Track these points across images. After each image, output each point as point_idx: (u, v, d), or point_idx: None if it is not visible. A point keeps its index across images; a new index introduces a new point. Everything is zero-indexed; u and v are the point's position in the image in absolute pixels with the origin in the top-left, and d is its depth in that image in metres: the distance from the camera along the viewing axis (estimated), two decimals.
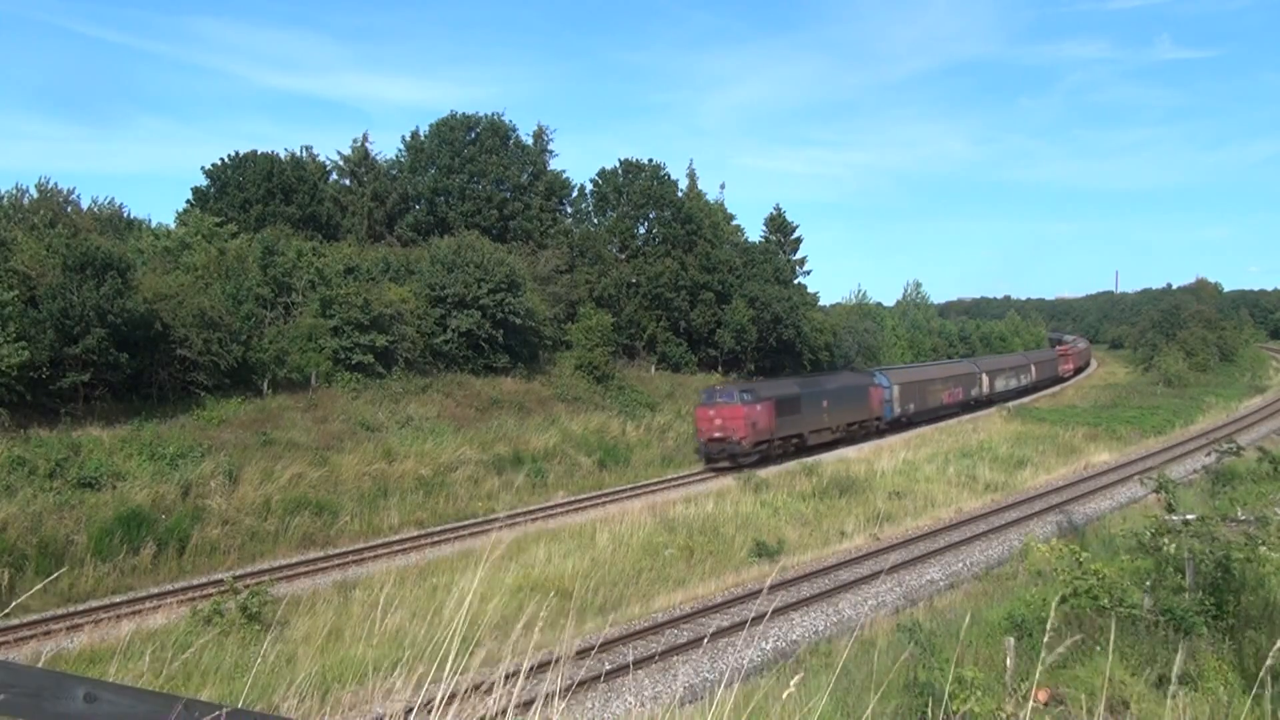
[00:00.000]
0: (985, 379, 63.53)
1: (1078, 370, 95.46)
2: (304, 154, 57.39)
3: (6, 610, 5.62)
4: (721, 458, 37.97)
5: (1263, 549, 13.10)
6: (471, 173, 58.41)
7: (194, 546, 24.62)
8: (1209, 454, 16.39)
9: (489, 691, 2.70)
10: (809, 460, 38.11)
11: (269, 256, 41.98)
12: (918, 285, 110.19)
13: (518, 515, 29.27)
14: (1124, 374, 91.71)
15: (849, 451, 42.72)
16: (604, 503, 31.25)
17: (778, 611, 19.43)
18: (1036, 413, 57.41)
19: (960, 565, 23.49)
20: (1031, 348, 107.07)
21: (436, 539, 26.49)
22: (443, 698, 3.36)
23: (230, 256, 41.37)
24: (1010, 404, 63.43)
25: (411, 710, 3.11)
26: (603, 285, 58.46)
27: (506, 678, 2.72)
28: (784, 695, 3.64)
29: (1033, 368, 75.85)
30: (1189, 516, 13.92)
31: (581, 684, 14.50)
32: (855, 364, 70.22)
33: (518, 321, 47.30)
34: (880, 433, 49.24)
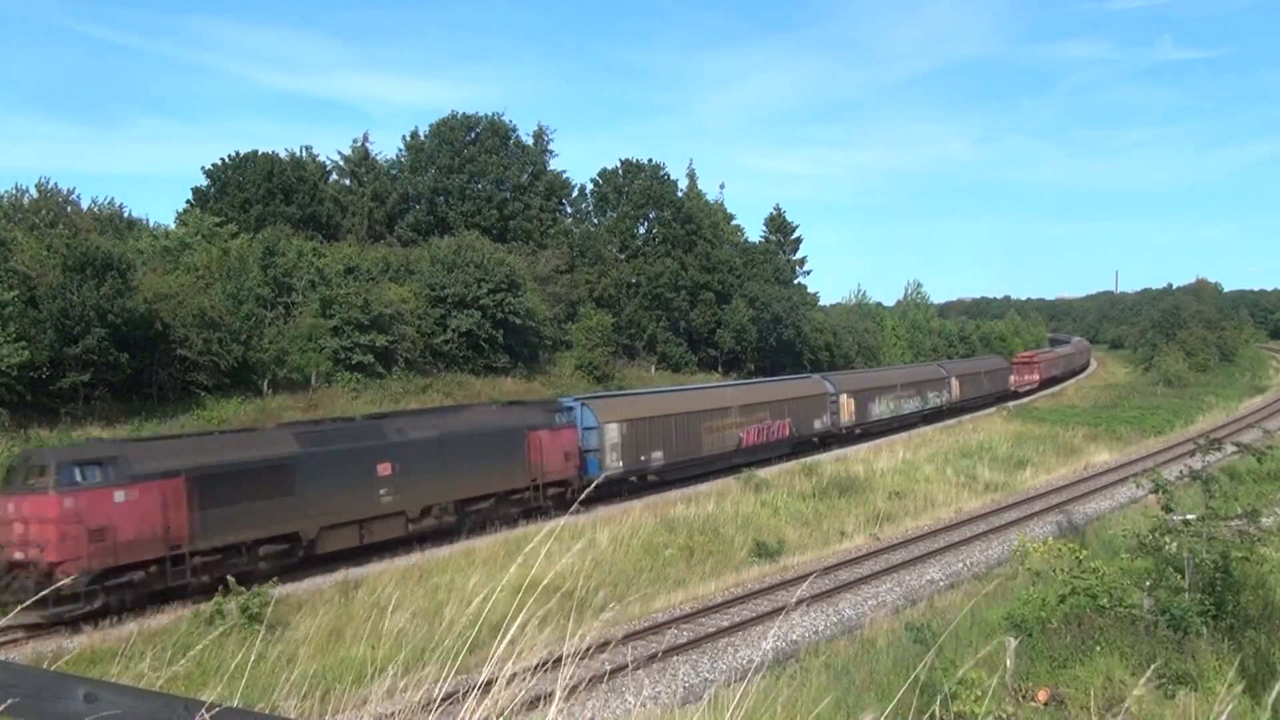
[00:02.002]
0: (845, 400, 45.30)
1: (1050, 381, 79.06)
2: (304, 154, 57.46)
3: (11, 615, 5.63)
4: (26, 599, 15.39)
5: (1262, 549, 13.11)
6: (471, 173, 58.44)
7: None
8: (1194, 455, 16.38)
9: (489, 691, 2.70)
10: (809, 460, 38.09)
11: (269, 256, 42.01)
12: (918, 285, 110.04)
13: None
14: (1124, 374, 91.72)
15: (849, 451, 42.71)
16: (604, 503, 31.15)
17: (777, 611, 19.43)
18: (1036, 413, 57.41)
19: (960, 565, 23.50)
20: (958, 355, 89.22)
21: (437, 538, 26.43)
22: (444, 698, 3.37)
23: (231, 256, 41.40)
24: (1010, 404, 63.27)
25: (412, 711, 3.11)
26: (603, 285, 58.48)
27: (507, 678, 2.72)
28: (784, 695, 3.64)
29: (954, 383, 58.12)
30: (1189, 516, 13.92)
31: (581, 684, 14.50)
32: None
33: (518, 321, 47.33)
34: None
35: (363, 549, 24.12)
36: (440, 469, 25.15)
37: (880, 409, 48.73)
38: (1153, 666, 10.45)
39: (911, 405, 52.10)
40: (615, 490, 30.96)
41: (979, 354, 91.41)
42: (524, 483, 27.84)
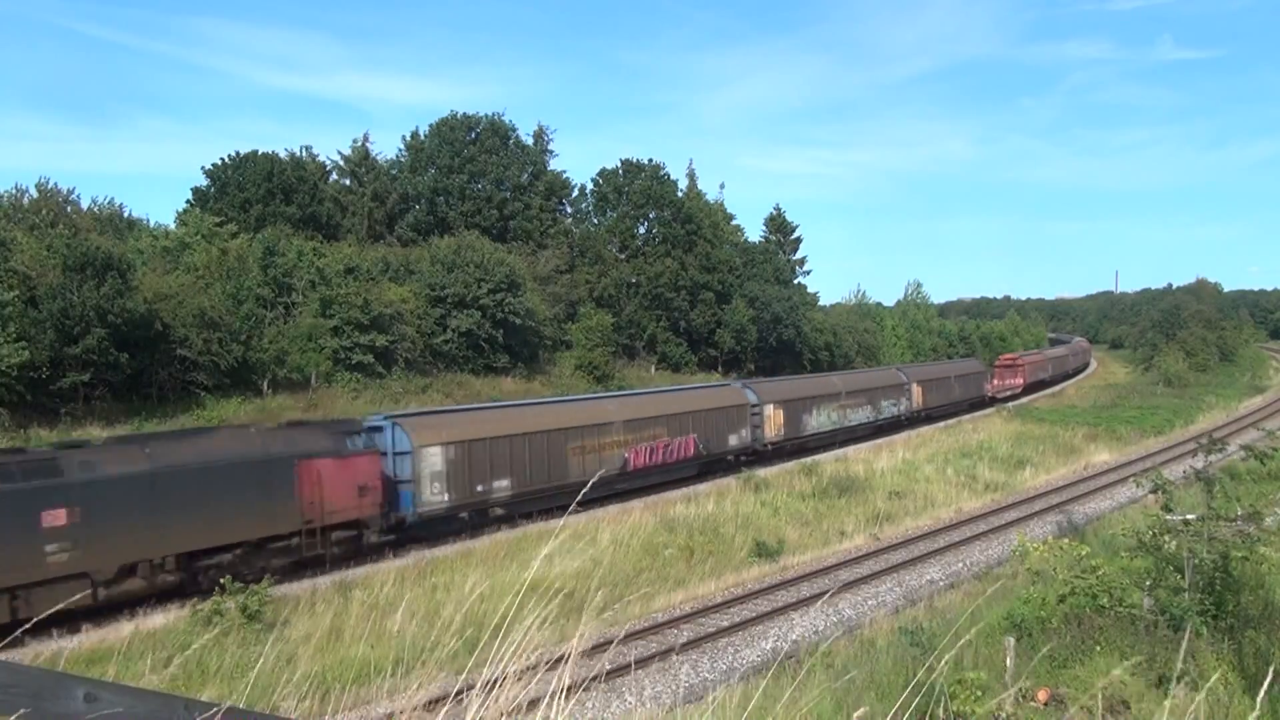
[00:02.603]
0: (771, 411, 39.14)
1: (1037, 385, 73.53)
2: (304, 154, 57.48)
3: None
4: None
5: (1262, 549, 13.11)
6: (471, 173, 58.45)
7: None
8: (1196, 455, 16.36)
9: (490, 692, 2.70)
10: (808, 460, 38.08)
11: (269, 256, 42.03)
12: (918, 285, 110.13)
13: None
14: (1124, 374, 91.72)
15: (849, 451, 42.70)
16: (605, 502, 31.11)
17: (778, 611, 19.44)
18: (1036, 413, 57.39)
19: (960, 565, 23.50)
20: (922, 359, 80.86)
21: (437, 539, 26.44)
22: (444, 698, 3.36)
23: (230, 256, 41.42)
24: (1009, 404, 63.03)
25: (412, 710, 3.11)
26: (603, 285, 58.50)
27: (507, 678, 2.72)
28: (784, 695, 3.64)
29: (914, 390, 51.54)
30: (1189, 516, 13.92)
31: (582, 684, 14.49)
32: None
33: (518, 321, 47.34)
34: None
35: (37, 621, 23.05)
36: (152, 514, 19.57)
37: (819, 421, 41.93)
38: (1152, 667, 10.45)
39: (860, 416, 45.58)
40: (441, 531, 25.86)
41: (956, 356, 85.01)
42: (292, 525, 22.06)
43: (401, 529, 25.20)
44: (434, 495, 25.46)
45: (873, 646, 16.01)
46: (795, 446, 40.47)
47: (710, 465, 35.85)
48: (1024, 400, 67.56)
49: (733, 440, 36.67)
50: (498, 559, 23.07)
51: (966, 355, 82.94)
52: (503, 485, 27.29)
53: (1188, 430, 47.62)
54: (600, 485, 28.63)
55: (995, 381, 68.13)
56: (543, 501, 28.01)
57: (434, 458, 25.44)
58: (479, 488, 26.69)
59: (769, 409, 38.85)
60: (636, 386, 49.98)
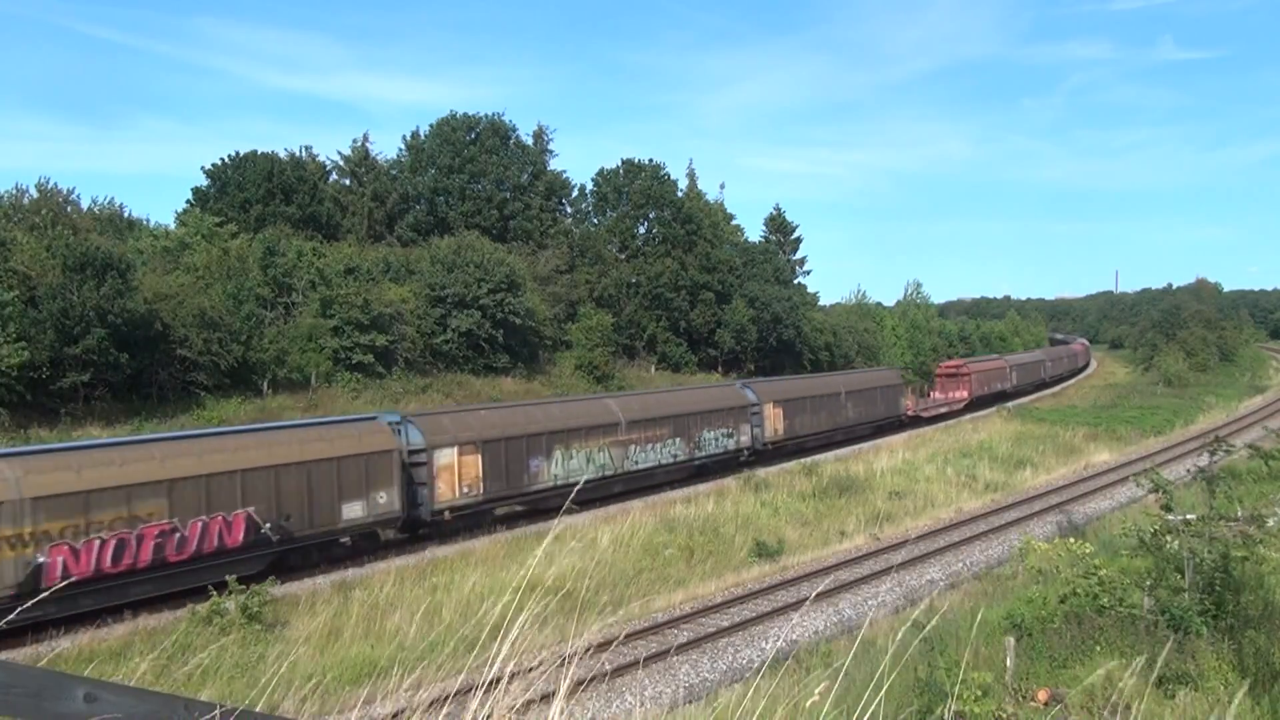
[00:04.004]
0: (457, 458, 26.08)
1: (992, 399, 61.77)
2: (304, 154, 57.45)
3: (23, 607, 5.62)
4: None
5: (1263, 549, 13.10)
6: (472, 173, 58.44)
7: None
8: (1200, 454, 16.35)
9: (490, 691, 2.70)
10: (808, 460, 38.08)
11: (269, 256, 42.02)
12: (918, 285, 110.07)
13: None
14: (1124, 374, 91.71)
15: (848, 451, 42.69)
16: (605, 502, 31.15)
17: (778, 611, 19.43)
18: (1036, 413, 57.37)
19: (960, 565, 23.50)
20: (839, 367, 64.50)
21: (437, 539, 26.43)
22: (445, 698, 3.36)
23: (231, 256, 41.43)
24: (1009, 404, 62.57)
25: (412, 710, 3.11)
26: (603, 285, 58.48)
27: (508, 677, 2.72)
28: (784, 695, 3.63)
29: (769, 413, 38.99)
30: (1189, 516, 13.92)
31: (582, 684, 14.50)
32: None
33: (518, 321, 47.33)
34: None
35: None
36: None
37: (573, 466, 29.45)
38: (1152, 667, 10.43)
39: (659, 455, 33.19)
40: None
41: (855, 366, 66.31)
42: None
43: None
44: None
45: (873, 646, 16.01)
46: (527, 507, 29.02)
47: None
48: (1024, 400, 67.28)
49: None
50: (498, 559, 23.08)
51: (884, 365, 64.94)
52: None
53: (1188, 430, 47.65)
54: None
55: (935, 393, 58.97)
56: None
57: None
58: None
59: (451, 454, 26.01)
60: (637, 387, 49.92)
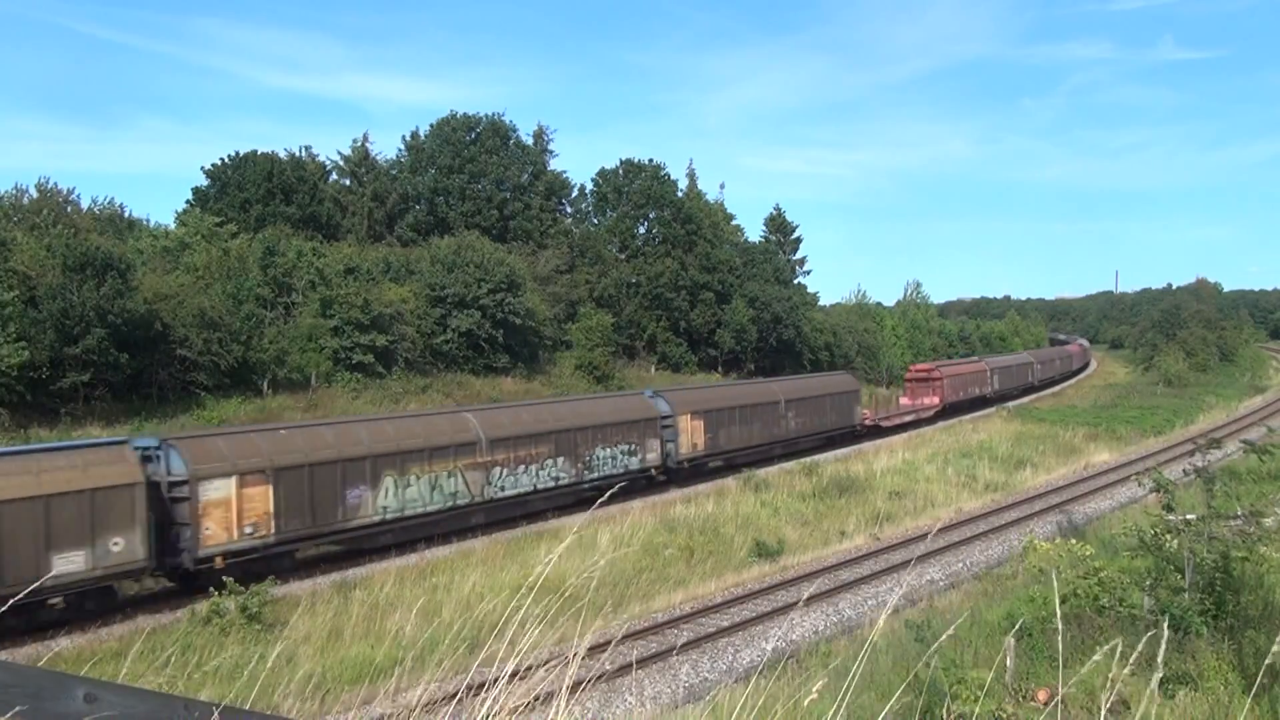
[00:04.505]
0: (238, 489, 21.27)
1: (969, 405, 57.76)
2: (304, 154, 57.48)
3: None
4: None
5: (1263, 548, 13.10)
6: (472, 173, 58.45)
7: None
8: (1194, 455, 16.40)
9: (492, 692, 2.70)
10: (808, 460, 38.06)
11: (269, 257, 42.04)
12: (918, 285, 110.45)
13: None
14: (1124, 374, 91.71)
15: (848, 451, 42.68)
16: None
17: (778, 611, 19.43)
18: (1036, 413, 57.33)
19: (960, 565, 23.49)
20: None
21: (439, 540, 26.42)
22: (446, 698, 3.36)
23: (231, 256, 41.44)
24: (1010, 404, 62.48)
25: (413, 710, 3.11)
26: (603, 285, 58.50)
27: (509, 677, 2.72)
28: (783, 695, 3.64)
29: (686, 425, 34.08)
30: (1189, 516, 13.92)
31: (583, 684, 14.50)
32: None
33: (518, 321, 47.35)
34: None
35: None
36: None
37: (409, 494, 24.72)
38: (1152, 667, 10.43)
39: (536, 478, 28.31)
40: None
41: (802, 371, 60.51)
42: None
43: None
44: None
45: (873, 646, 16.01)
46: (329, 548, 24.30)
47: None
48: (1024, 401, 67.17)
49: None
50: (497, 559, 23.09)
51: (836, 369, 60.04)
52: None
53: (1188, 430, 47.63)
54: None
55: (904, 399, 55.26)
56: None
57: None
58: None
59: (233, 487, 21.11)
60: (637, 387, 49.69)
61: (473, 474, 26.21)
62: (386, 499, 24.15)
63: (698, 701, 14.46)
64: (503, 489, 27.19)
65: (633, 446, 31.57)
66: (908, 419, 51.02)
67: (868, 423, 47.26)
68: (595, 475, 29.98)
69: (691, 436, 34.45)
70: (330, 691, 13.52)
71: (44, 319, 30.80)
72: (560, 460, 29.08)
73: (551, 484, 28.84)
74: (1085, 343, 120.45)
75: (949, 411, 54.42)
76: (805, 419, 41.40)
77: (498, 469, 27.01)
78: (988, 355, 78.00)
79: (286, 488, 21.96)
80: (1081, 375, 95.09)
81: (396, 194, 58.97)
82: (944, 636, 4.16)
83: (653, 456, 32.56)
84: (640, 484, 32.05)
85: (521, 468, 27.75)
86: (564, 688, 2.57)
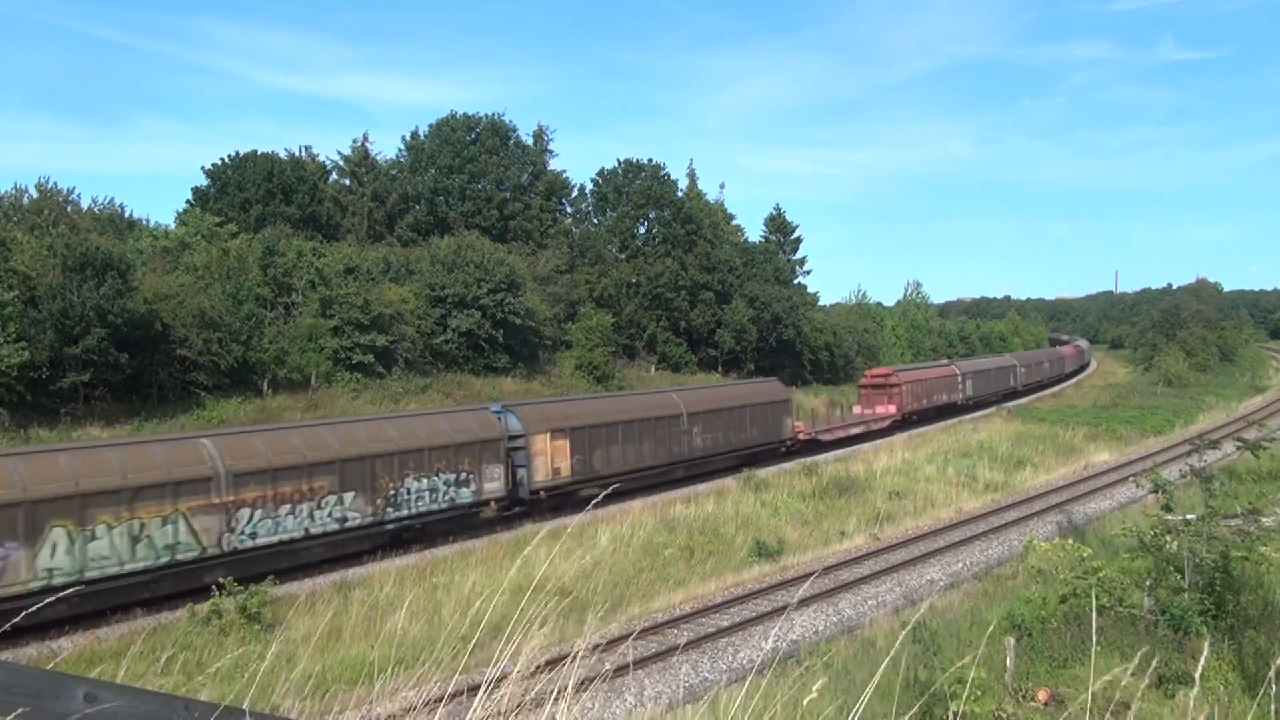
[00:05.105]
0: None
1: (934, 413, 53.20)
2: (304, 154, 57.47)
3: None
4: None
5: (1262, 548, 13.11)
6: (472, 173, 58.44)
7: None
8: (1190, 455, 16.44)
9: (491, 691, 2.70)
10: (808, 460, 38.06)
11: (269, 256, 42.03)
12: (918, 285, 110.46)
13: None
14: (1124, 374, 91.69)
15: (848, 451, 42.68)
16: (604, 502, 30.96)
17: (777, 611, 19.43)
18: (1036, 413, 57.33)
19: (960, 565, 23.50)
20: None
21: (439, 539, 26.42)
22: (446, 698, 3.36)
23: (231, 256, 41.43)
24: (1009, 404, 62.39)
25: (413, 710, 3.11)
26: (603, 285, 58.49)
27: (509, 678, 2.72)
28: (783, 695, 3.64)
29: (538, 447, 28.24)
30: (1189, 516, 13.92)
31: (583, 683, 14.49)
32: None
33: (518, 321, 47.32)
34: None
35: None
36: None
37: (94, 550, 18.66)
38: (1152, 667, 10.44)
39: (312, 521, 22.49)
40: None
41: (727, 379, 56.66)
42: None
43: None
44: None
45: (873, 646, 16.01)
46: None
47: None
48: (1023, 401, 67.09)
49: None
50: (497, 559, 23.08)
51: (763, 376, 51.64)
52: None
53: (1188, 430, 47.62)
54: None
55: (858, 408, 50.18)
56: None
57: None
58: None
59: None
60: (636, 387, 49.53)
61: (204, 518, 20.27)
62: (55, 558, 18.09)
63: (698, 701, 14.46)
64: (253, 536, 21.16)
65: (463, 475, 25.92)
66: (854, 431, 45.26)
67: (802, 437, 41.29)
68: (403, 513, 24.49)
69: (552, 460, 28.51)
70: (330, 691, 13.52)
71: (44, 319, 30.79)
72: (349, 496, 23.14)
73: (335, 527, 22.93)
74: (1084, 343, 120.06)
75: (908, 422, 49.63)
76: (717, 435, 35.38)
77: (245, 510, 21.04)
78: (960, 358, 73.90)
79: None
80: (1078, 377, 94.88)
81: (396, 194, 58.95)
82: (944, 637, 4.16)
83: (493, 486, 26.70)
84: (474, 522, 26.97)
85: (286, 508, 21.82)
86: (565, 689, 2.57)
